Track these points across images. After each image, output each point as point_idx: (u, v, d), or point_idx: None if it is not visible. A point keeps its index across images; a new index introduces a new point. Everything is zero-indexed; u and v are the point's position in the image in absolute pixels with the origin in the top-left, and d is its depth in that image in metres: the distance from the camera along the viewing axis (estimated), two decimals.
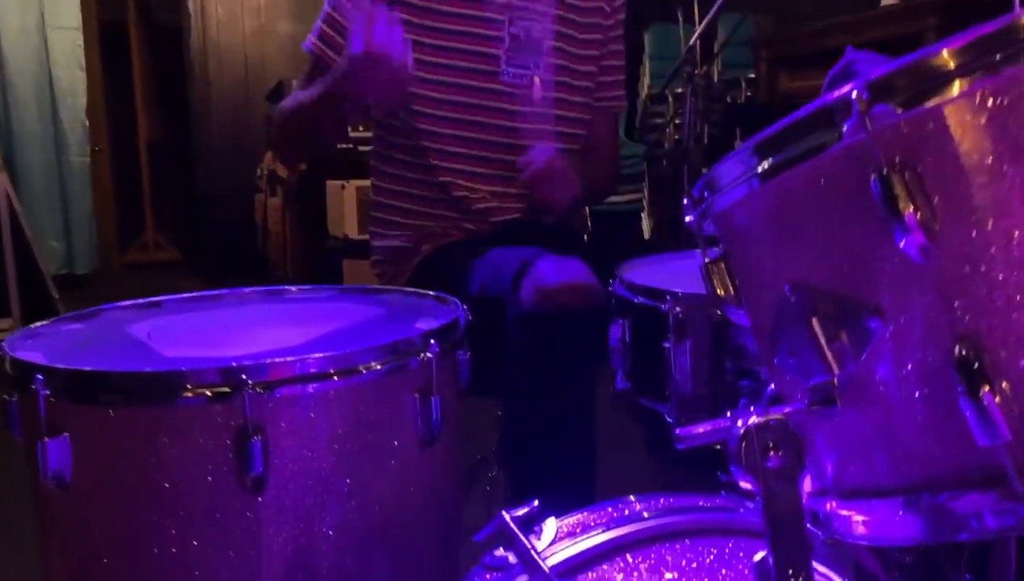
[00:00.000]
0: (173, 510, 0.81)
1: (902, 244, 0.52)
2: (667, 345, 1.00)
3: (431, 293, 1.15)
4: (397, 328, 0.99)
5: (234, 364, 0.80)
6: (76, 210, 5.41)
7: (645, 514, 0.75)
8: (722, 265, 0.71)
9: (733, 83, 4.48)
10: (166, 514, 0.82)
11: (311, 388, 0.84)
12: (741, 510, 0.77)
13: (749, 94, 4.40)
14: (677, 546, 0.73)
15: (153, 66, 6.56)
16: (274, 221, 4.42)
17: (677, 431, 0.62)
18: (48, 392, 0.81)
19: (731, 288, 0.71)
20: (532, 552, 0.68)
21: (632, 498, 0.78)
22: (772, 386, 0.72)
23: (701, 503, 0.77)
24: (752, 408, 0.59)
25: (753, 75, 4.29)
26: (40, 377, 0.81)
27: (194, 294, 1.20)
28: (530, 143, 1.54)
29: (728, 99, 4.36)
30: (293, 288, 1.21)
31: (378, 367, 0.88)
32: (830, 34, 4.02)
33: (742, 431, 0.58)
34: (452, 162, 1.53)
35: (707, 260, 0.72)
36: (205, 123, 5.71)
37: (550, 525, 0.73)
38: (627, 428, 1.31)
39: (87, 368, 0.83)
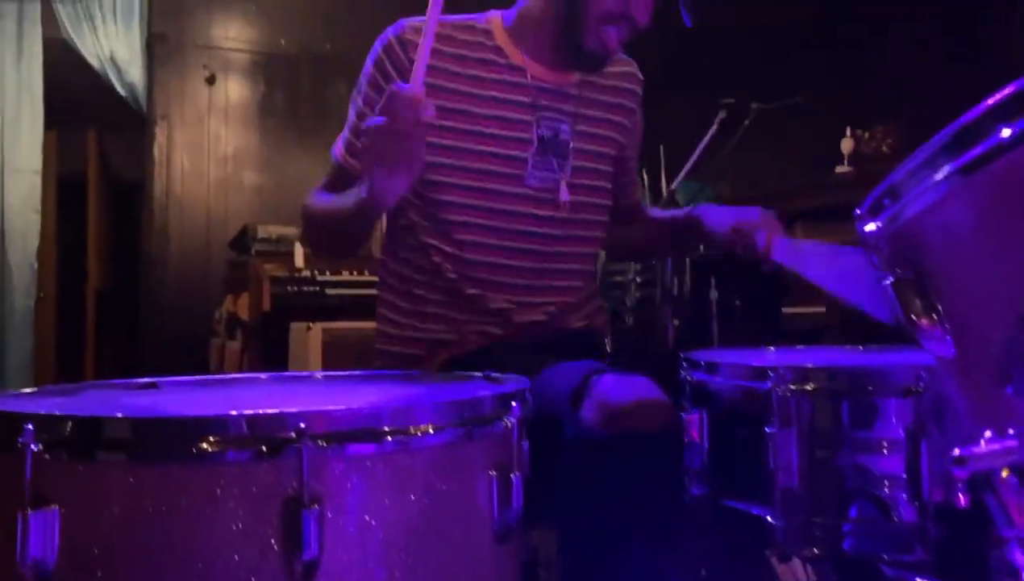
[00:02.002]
0: None
1: None
2: (770, 430, 0.85)
3: (476, 373, 0.99)
4: (463, 389, 0.82)
5: (287, 410, 0.63)
6: (15, 355, 5.11)
7: None
8: (919, 284, 0.58)
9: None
10: None
11: (387, 445, 0.66)
12: None
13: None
14: None
15: (110, 215, 6.44)
16: (231, 365, 4.18)
17: (959, 451, 0.46)
18: (39, 447, 0.62)
19: (934, 311, 0.57)
20: None
21: None
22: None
23: None
24: None
25: None
26: (30, 427, 0.62)
27: (198, 377, 1.01)
28: (555, 249, 1.44)
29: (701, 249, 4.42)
30: (318, 374, 1.03)
31: (454, 428, 0.70)
32: (784, 200, 4.14)
33: None
34: (474, 271, 1.41)
35: (894, 279, 0.59)
36: (160, 271, 5.54)
37: None
38: (710, 538, 1.11)
39: (93, 414, 0.64)
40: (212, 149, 5.48)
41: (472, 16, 1.46)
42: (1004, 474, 0.55)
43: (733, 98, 3.48)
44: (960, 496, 0.87)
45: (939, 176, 0.56)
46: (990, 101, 0.53)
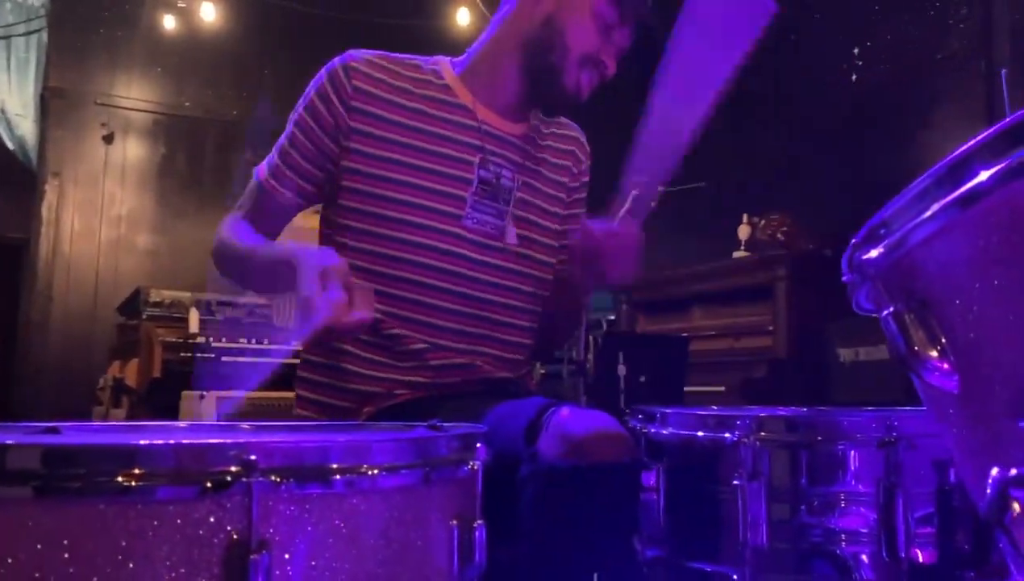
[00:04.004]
0: None
1: None
2: (738, 483, 0.81)
3: (420, 423, 0.92)
4: (418, 432, 0.75)
5: (236, 439, 0.55)
6: None
7: None
8: (922, 316, 0.56)
9: (596, 324, 4.67)
10: None
11: (339, 485, 0.58)
12: None
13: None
14: None
15: None
16: None
17: (1016, 470, 0.43)
18: None
19: (938, 343, 0.55)
20: None
21: None
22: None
23: None
24: None
25: (613, 317, 4.54)
26: None
27: (106, 423, 0.90)
28: (492, 296, 1.39)
29: (604, 326, 4.51)
30: (243, 423, 0.94)
31: (415, 470, 0.63)
32: (685, 282, 4.25)
33: None
34: (404, 309, 1.34)
35: (894, 310, 0.57)
36: (41, 335, 5.20)
37: None
38: None
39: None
40: (106, 209, 5.24)
41: (418, 56, 1.45)
42: (1016, 511, 0.52)
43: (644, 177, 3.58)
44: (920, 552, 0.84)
45: (935, 209, 0.54)
46: (983, 135, 0.52)
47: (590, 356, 3.80)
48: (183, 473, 0.53)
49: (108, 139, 5.28)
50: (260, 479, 0.53)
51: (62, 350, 5.04)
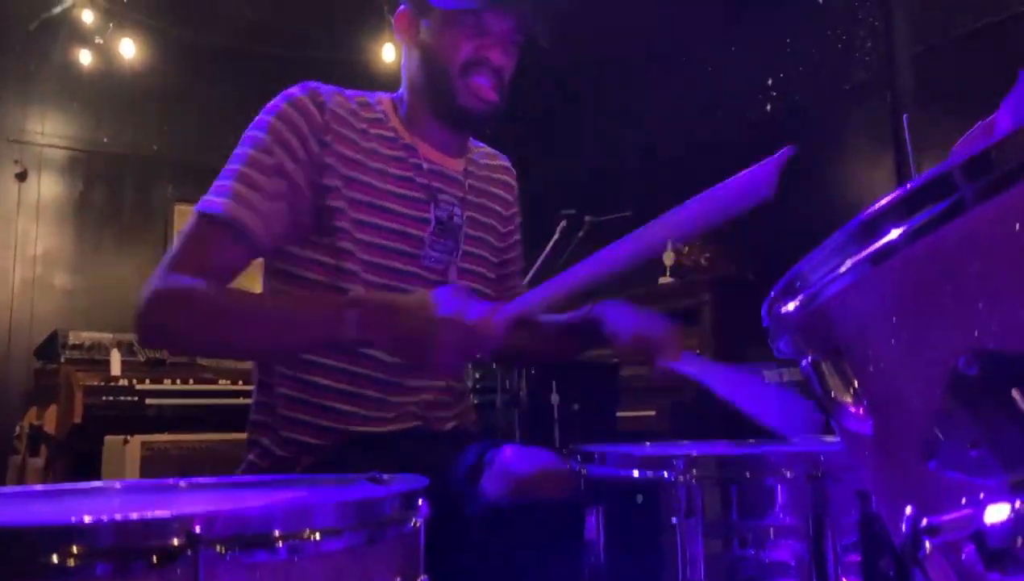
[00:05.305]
0: None
1: None
2: (675, 520, 0.83)
3: (360, 475, 0.92)
4: (357, 491, 0.75)
5: (178, 512, 0.55)
6: None
7: None
8: (836, 363, 0.59)
9: None
10: None
11: (283, 552, 0.58)
12: None
13: None
14: None
15: None
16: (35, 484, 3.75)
17: (928, 520, 0.46)
18: None
19: (852, 389, 0.59)
20: None
21: None
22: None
23: None
24: (983, 496, 0.45)
25: None
26: None
27: (23, 488, 0.88)
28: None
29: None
30: (181, 481, 0.92)
31: (357, 532, 0.64)
32: None
33: (1008, 521, 0.43)
34: (350, 362, 1.34)
35: (812, 359, 0.60)
36: None
37: None
38: None
39: None
40: (20, 249, 5.06)
41: (365, 92, 1.44)
42: (928, 549, 0.56)
43: (573, 209, 3.67)
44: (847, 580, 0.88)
45: (849, 264, 0.58)
46: (895, 194, 0.56)
47: (523, 384, 3.82)
48: (126, 550, 0.53)
49: (21, 177, 5.10)
50: (205, 550, 0.54)
51: None
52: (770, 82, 4.35)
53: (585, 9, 3.93)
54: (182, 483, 0.90)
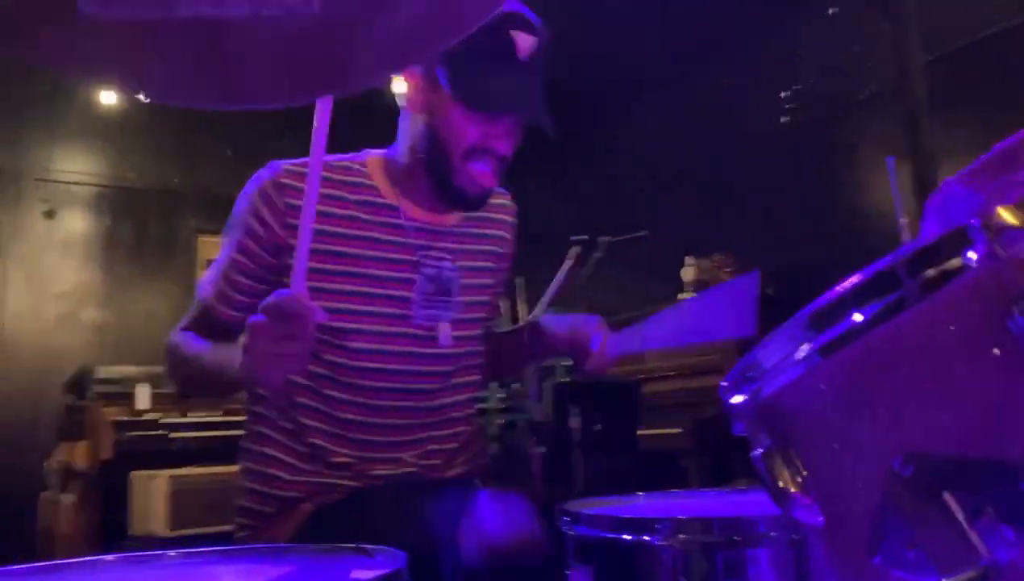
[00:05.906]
0: None
1: None
2: None
3: (349, 545, 0.94)
4: (336, 570, 0.77)
5: None
6: None
7: None
8: (785, 454, 0.60)
9: (548, 371, 4.76)
10: None
11: None
12: None
13: None
14: None
15: None
16: (66, 521, 3.82)
17: None
18: None
19: (799, 478, 0.59)
20: None
21: None
22: None
23: None
24: None
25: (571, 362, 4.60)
26: None
27: (25, 565, 0.91)
28: (430, 385, 1.42)
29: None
30: (171, 552, 0.95)
31: None
32: (632, 325, 4.31)
33: None
34: (345, 411, 1.36)
35: (763, 450, 0.61)
36: None
37: None
38: None
39: None
40: (49, 286, 5.17)
41: (349, 156, 1.44)
42: None
43: (586, 234, 3.67)
44: None
45: (799, 355, 0.59)
46: (843, 286, 0.57)
47: (543, 404, 3.82)
48: None
49: (49, 215, 5.22)
50: None
51: (6, 434, 4.93)
52: (784, 95, 4.34)
53: (598, 27, 3.95)
54: (172, 553, 0.93)
